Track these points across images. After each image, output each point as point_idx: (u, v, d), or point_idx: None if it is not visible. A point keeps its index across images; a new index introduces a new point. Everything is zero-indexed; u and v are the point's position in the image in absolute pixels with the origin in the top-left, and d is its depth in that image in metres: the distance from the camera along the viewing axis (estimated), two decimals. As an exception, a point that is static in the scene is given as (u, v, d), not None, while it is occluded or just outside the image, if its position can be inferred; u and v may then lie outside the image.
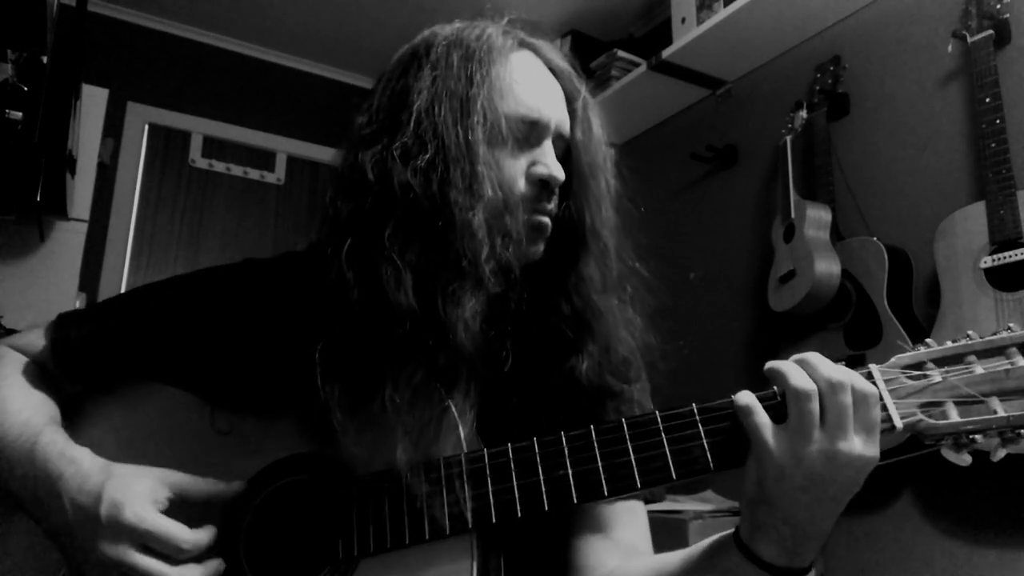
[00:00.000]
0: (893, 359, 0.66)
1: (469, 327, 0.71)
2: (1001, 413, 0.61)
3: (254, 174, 3.27)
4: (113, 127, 2.86)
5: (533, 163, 0.80)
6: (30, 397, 0.84)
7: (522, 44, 0.85)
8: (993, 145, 1.65)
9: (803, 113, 2.16)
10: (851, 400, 0.61)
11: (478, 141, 0.75)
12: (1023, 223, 1.57)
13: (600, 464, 0.67)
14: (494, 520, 0.68)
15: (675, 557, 0.75)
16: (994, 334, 0.64)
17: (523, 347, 0.82)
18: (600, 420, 0.74)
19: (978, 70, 1.71)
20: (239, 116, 3.22)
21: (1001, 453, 0.63)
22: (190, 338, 0.85)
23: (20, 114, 1.85)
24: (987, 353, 0.63)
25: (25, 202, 1.95)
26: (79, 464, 0.74)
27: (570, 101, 0.86)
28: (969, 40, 1.74)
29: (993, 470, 0.73)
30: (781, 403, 0.64)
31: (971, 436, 0.62)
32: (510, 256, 0.75)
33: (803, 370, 0.63)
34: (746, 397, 0.65)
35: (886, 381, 0.64)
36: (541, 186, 0.80)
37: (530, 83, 0.82)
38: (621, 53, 2.76)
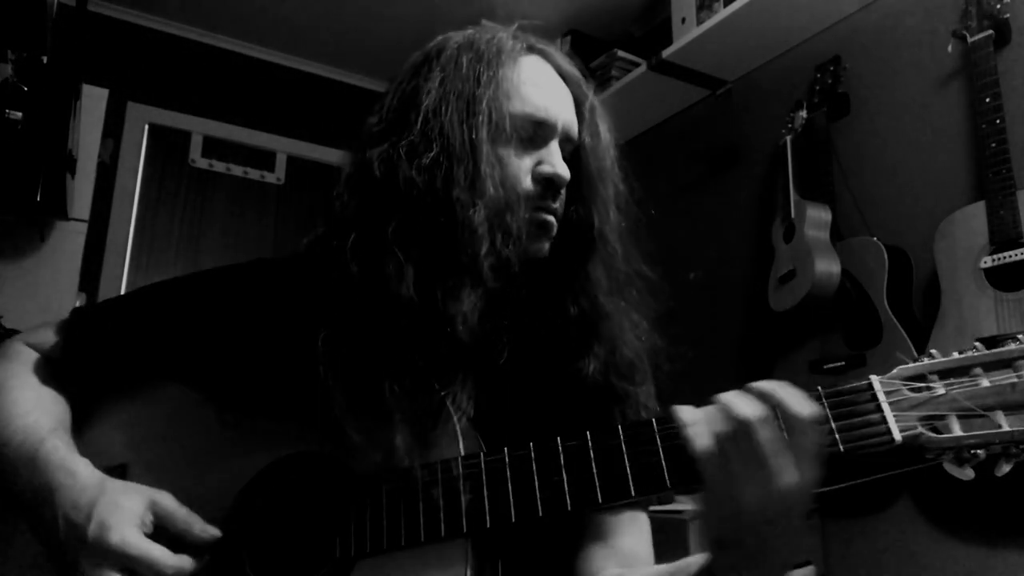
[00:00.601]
0: (895, 370, 0.65)
1: (468, 320, 0.72)
2: (1006, 428, 0.59)
3: (254, 174, 3.27)
4: (113, 127, 2.86)
5: (539, 162, 0.81)
6: (40, 397, 0.84)
7: (531, 49, 0.87)
8: (993, 145, 1.65)
9: (803, 113, 2.16)
10: (769, 435, 0.58)
11: (482, 140, 0.76)
12: (1023, 223, 1.58)
13: (595, 471, 0.67)
14: (488, 525, 0.68)
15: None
16: (1001, 346, 0.62)
17: (528, 346, 0.83)
18: (604, 422, 0.75)
19: (978, 70, 1.71)
20: (239, 116, 3.22)
21: (1006, 468, 0.62)
22: (201, 336, 0.86)
23: (20, 114, 1.85)
24: (993, 365, 0.62)
25: (25, 202, 1.95)
26: (76, 477, 0.75)
27: (579, 105, 0.87)
28: (969, 40, 1.74)
29: (992, 473, 0.73)
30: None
31: (974, 451, 0.61)
32: (510, 253, 0.76)
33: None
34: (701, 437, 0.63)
35: (887, 393, 0.63)
36: (546, 185, 0.81)
37: (538, 85, 0.83)
38: (621, 53, 2.76)
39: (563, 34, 2.95)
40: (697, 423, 0.62)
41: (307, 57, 3.40)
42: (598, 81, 2.80)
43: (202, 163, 3.17)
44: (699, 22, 2.39)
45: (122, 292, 2.84)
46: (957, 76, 1.90)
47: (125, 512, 0.72)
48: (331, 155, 3.29)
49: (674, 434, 0.65)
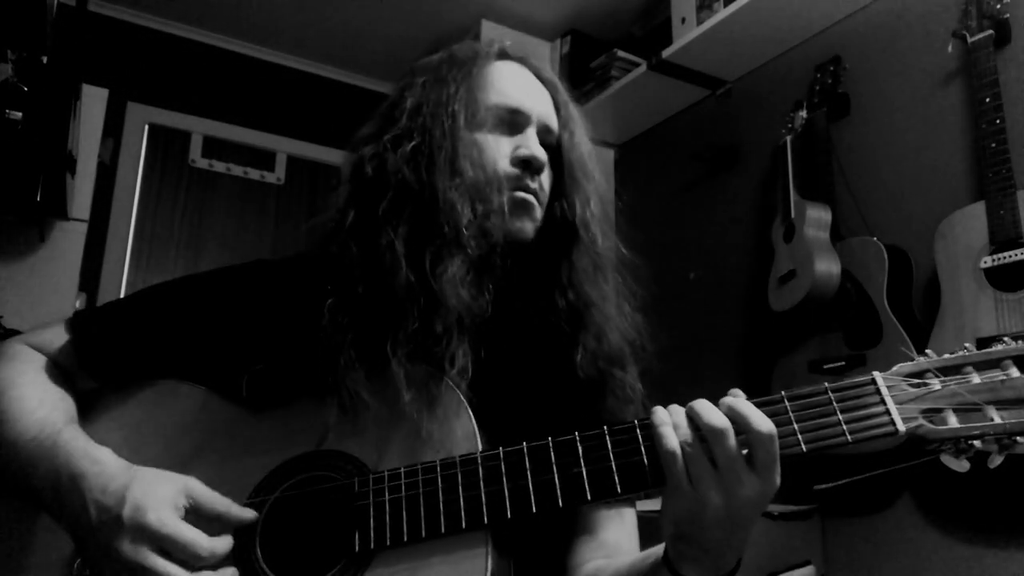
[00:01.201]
0: (896, 367, 0.69)
1: (455, 284, 0.79)
2: (998, 420, 0.64)
3: (254, 174, 3.27)
4: (113, 127, 2.86)
5: (517, 147, 0.89)
6: (48, 395, 0.85)
7: (506, 55, 0.95)
8: (993, 145, 1.65)
9: (803, 113, 2.16)
10: (728, 447, 0.64)
11: (460, 127, 0.85)
12: (1023, 223, 1.58)
13: (613, 462, 0.69)
14: (509, 516, 0.70)
15: (626, 564, 0.81)
16: (991, 347, 0.67)
17: (520, 334, 0.89)
18: (597, 405, 0.84)
19: (978, 70, 1.71)
20: (239, 116, 3.22)
21: (998, 460, 0.66)
22: (207, 336, 0.87)
23: (20, 114, 1.85)
24: (984, 365, 0.67)
25: (25, 202, 1.95)
26: (103, 464, 0.76)
27: (557, 107, 0.95)
28: (969, 40, 1.74)
29: (990, 471, 0.75)
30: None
31: (970, 442, 0.65)
32: (492, 226, 0.83)
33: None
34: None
35: (888, 387, 0.67)
36: (524, 166, 0.88)
37: (512, 80, 0.92)
38: (621, 53, 2.76)
39: (563, 34, 2.95)
40: (666, 424, 0.67)
41: (307, 57, 3.40)
42: (598, 81, 2.80)
43: (202, 163, 3.17)
44: (699, 22, 2.39)
45: (122, 292, 2.85)
46: (957, 76, 1.90)
47: (160, 494, 0.73)
48: (331, 155, 3.29)
49: (649, 435, 0.69)
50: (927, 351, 0.70)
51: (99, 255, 2.81)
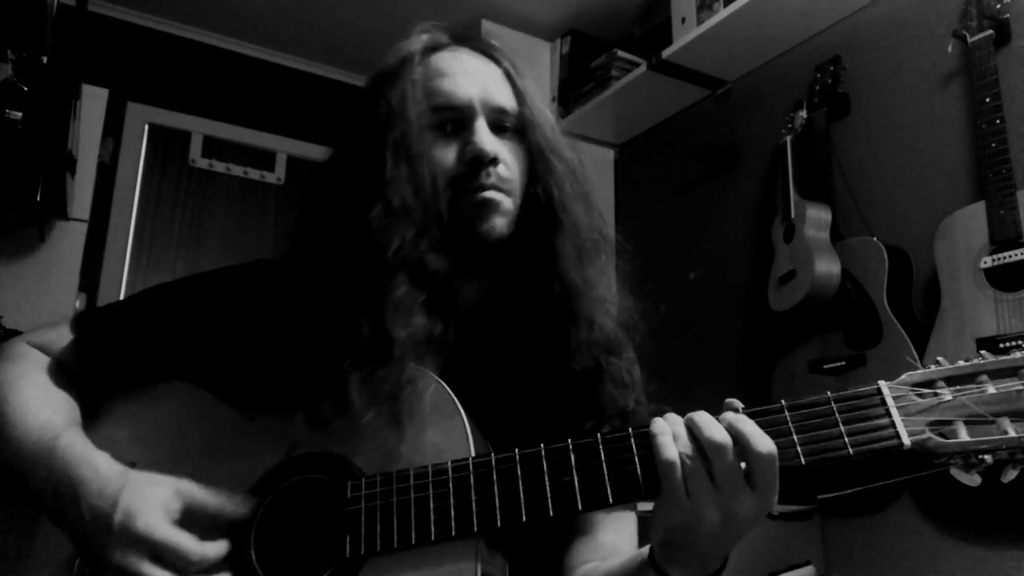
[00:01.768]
0: (904, 376, 0.66)
1: (402, 313, 0.77)
2: (1012, 434, 0.60)
3: (254, 174, 3.27)
4: (113, 127, 2.86)
5: (465, 145, 0.84)
6: (50, 396, 0.85)
7: (437, 48, 0.90)
8: (993, 145, 1.65)
9: (803, 113, 2.16)
10: (727, 463, 0.63)
11: (401, 146, 0.81)
12: (1023, 223, 1.58)
13: (606, 472, 0.68)
14: (499, 524, 0.69)
15: (616, 565, 0.80)
16: (1007, 354, 0.63)
17: (511, 329, 0.87)
18: (596, 393, 0.82)
19: (978, 70, 1.71)
20: (239, 116, 3.22)
21: (1012, 474, 0.62)
22: (208, 336, 0.87)
23: (20, 114, 1.85)
24: (1000, 373, 0.63)
25: (25, 202, 1.95)
26: (98, 469, 0.76)
27: (512, 82, 0.89)
28: (969, 40, 1.74)
29: (997, 479, 0.73)
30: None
31: (981, 456, 0.61)
32: (458, 235, 0.81)
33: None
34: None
35: (895, 398, 0.64)
36: (475, 164, 0.83)
37: (443, 74, 0.86)
38: (621, 53, 2.76)
39: (563, 34, 2.95)
40: (666, 434, 0.66)
41: (307, 57, 3.39)
42: (598, 81, 2.80)
43: (202, 163, 3.16)
44: (699, 22, 2.39)
45: (122, 292, 2.85)
46: (957, 76, 1.90)
47: (151, 500, 0.73)
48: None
49: (647, 444, 0.68)
50: (938, 359, 0.66)
51: (99, 255, 2.81)
